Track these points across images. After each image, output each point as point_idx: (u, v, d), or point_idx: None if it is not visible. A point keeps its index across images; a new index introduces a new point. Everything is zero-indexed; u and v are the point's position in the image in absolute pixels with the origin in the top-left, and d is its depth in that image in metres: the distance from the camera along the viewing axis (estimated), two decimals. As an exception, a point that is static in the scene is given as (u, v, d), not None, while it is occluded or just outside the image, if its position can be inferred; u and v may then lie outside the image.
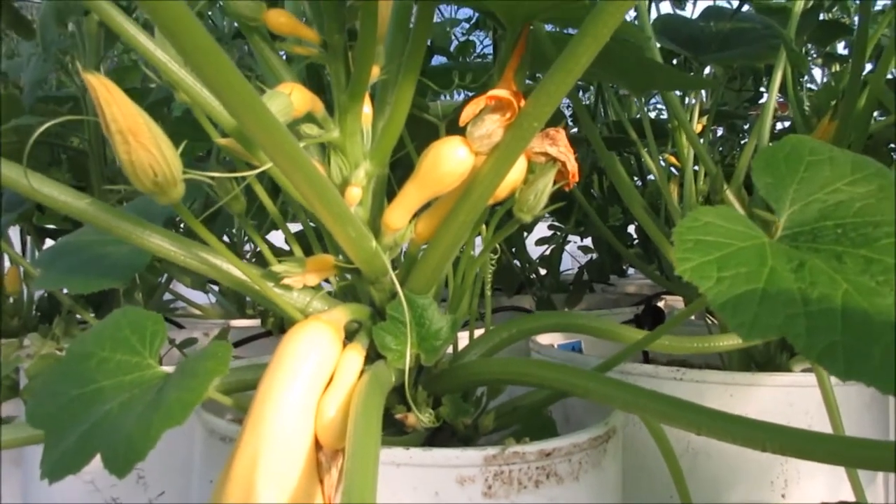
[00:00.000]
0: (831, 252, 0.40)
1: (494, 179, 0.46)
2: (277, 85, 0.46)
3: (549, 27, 0.63)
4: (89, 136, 0.94)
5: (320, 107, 0.47)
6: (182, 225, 1.07)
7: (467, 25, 1.93)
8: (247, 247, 1.44)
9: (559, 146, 0.48)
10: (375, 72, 0.47)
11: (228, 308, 1.45)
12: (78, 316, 1.05)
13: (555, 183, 0.50)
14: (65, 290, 0.98)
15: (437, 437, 0.61)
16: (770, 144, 0.47)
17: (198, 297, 1.47)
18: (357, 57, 0.45)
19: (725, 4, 1.37)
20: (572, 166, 0.49)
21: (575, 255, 1.73)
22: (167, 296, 1.33)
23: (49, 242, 1.14)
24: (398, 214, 0.50)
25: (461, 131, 0.48)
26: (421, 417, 0.52)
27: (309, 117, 0.48)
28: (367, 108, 0.50)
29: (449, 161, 0.46)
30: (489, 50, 2.28)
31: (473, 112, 0.45)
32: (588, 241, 1.75)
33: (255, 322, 1.22)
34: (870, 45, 0.79)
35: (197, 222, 0.45)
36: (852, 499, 0.64)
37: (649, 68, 0.69)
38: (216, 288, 1.43)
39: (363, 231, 0.47)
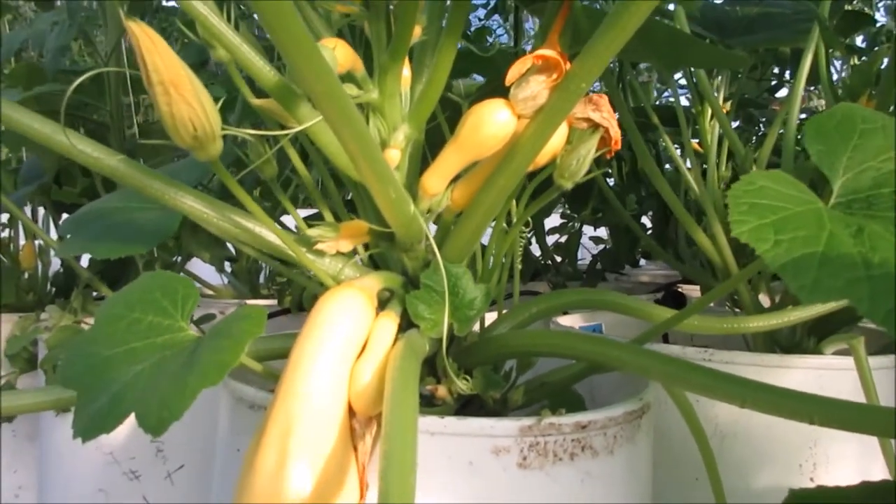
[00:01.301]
0: (889, 219, 0.39)
1: (538, 143, 0.45)
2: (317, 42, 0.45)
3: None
4: (111, 108, 0.93)
5: (360, 66, 0.46)
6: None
7: (484, 11, 1.92)
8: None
9: (602, 111, 0.47)
10: (417, 31, 0.46)
11: (241, 289, 1.44)
12: (94, 292, 1.05)
13: (597, 150, 0.49)
14: (84, 263, 0.98)
15: (464, 411, 0.60)
16: (817, 114, 0.46)
17: (210, 278, 1.47)
18: (400, 15, 0.44)
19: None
20: (615, 132, 0.48)
21: (586, 245, 1.72)
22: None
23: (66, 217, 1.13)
24: (436, 179, 0.49)
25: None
26: (459, 383, 0.51)
27: (348, 77, 0.47)
28: (405, 71, 0.49)
29: (491, 124, 0.46)
30: (504, 39, 2.27)
31: (519, 72, 0.44)
32: (599, 232, 1.74)
33: (271, 302, 1.22)
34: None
35: (234, 182, 0.45)
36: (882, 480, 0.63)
37: (683, 43, 0.67)
38: (229, 269, 1.42)
39: (403, 193, 0.46)
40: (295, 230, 0.57)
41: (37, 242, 1.12)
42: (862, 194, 0.41)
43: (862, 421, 0.40)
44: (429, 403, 0.58)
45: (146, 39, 0.38)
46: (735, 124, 1.83)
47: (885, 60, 0.77)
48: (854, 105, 0.46)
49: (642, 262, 1.98)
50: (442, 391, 0.57)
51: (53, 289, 1.20)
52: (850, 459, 0.71)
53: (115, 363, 0.46)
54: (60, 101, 0.44)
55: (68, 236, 0.63)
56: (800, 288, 0.34)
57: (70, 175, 1.03)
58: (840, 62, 1.78)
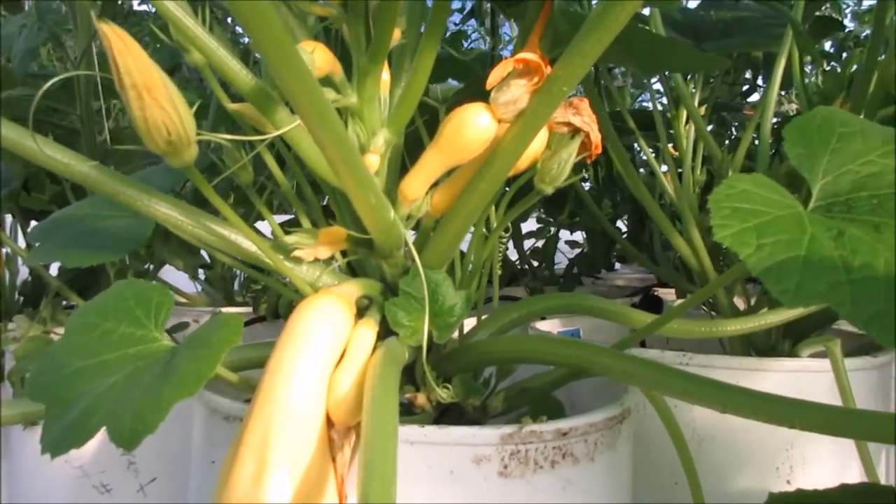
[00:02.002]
0: (868, 222, 0.39)
1: (519, 147, 0.45)
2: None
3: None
4: (81, 114, 0.91)
5: (339, 70, 0.45)
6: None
7: (459, 16, 1.92)
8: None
9: (583, 115, 0.47)
10: (397, 34, 0.46)
11: (215, 296, 1.42)
12: (64, 301, 1.02)
13: (577, 154, 0.48)
14: (53, 271, 0.95)
15: (443, 419, 0.60)
16: (796, 117, 0.46)
17: (184, 285, 1.45)
18: (379, 18, 0.43)
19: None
20: (595, 137, 0.48)
21: (562, 249, 1.73)
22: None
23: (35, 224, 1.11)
24: (416, 183, 0.48)
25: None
26: (439, 392, 0.50)
27: (326, 81, 0.46)
28: (384, 75, 0.49)
29: (472, 128, 0.45)
30: (478, 44, 2.27)
31: (500, 76, 0.43)
32: (575, 236, 1.74)
33: (246, 309, 1.20)
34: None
35: (210, 188, 0.44)
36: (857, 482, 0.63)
37: (662, 48, 0.68)
38: (202, 276, 1.40)
39: (383, 199, 0.45)
40: (271, 236, 0.56)
41: (4, 250, 1.10)
42: (841, 197, 0.41)
43: (843, 425, 0.40)
44: (408, 411, 0.58)
45: (118, 42, 0.37)
46: (708, 128, 1.85)
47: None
48: (833, 109, 0.46)
49: (618, 265, 1.99)
50: (421, 399, 0.56)
51: (21, 298, 1.17)
52: (826, 460, 0.71)
53: (86, 375, 0.45)
54: (29, 106, 0.43)
55: (37, 244, 0.61)
56: (782, 292, 0.34)
57: (39, 181, 1.01)
58: (810, 67, 1.80)
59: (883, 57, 0.72)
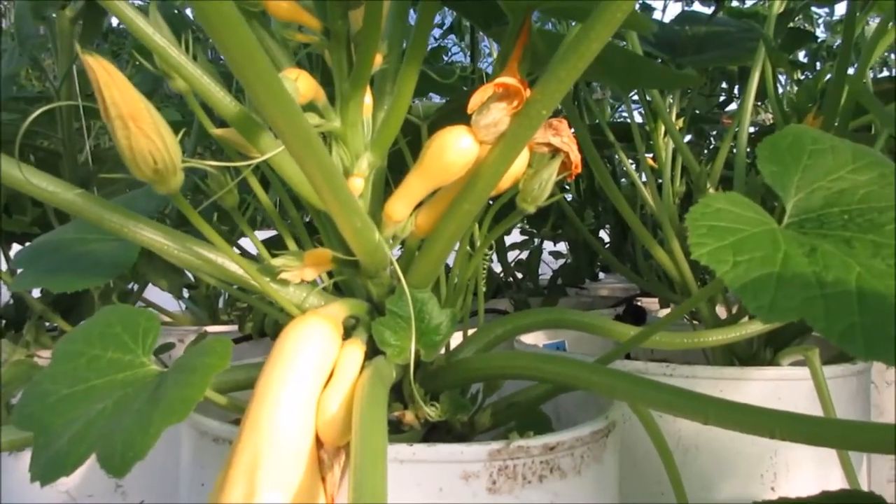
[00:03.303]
0: (840, 237, 0.40)
1: (500, 168, 0.45)
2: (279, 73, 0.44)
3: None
4: (63, 136, 0.91)
5: (322, 96, 0.46)
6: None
7: (439, 31, 1.94)
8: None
9: (563, 136, 0.48)
10: (378, 59, 0.46)
11: (200, 315, 1.42)
12: (47, 323, 1.02)
13: (558, 174, 0.49)
14: (36, 294, 0.95)
15: (431, 436, 0.60)
16: (769, 135, 0.48)
17: (168, 304, 1.44)
18: (361, 44, 0.44)
19: (696, 10, 1.39)
20: (575, 157, 0.49)
21: (545, 260, 1.74)
22: (138, 303, 1.30)
23: (17, 248, 1.10)
24: (400, 205, 0.49)
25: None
26: (427, 410, 0.51)
27: (310, 107, 0.47)
28: (367, 99, 0.50)
29: (454, 150, 0.46)
30: (459, 58, 2.29)
31: (481, 100, 0.44)
32: (559, 247, 1.76)
33: (231, 328, 1.19)
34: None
35: (195, 213, 0.44)
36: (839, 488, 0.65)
37: (639, 66, 0.69)
38: (187, 295, 1.40)
39: (368, 222, 0.46)
40: (255, 253, 0.57)
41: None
42: (814, 214, 0.43)
43: (822, 434, 0.41)
44: (396, 429, 0.58)
45: (104, 73, 0.38)
46: (687, 139, 1.88)
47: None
48: (804, 126, 0.48)
49: (602, 275, 2.00)
50: (409, 417, 0.57)
51: (4, 321, 1.16)
52: (809, 467, 0.73)
53: (73, 402, 0.45)
54: (10, 130, 0.43)
55: (21, 270, 0.61)
56: (758, 308, 0.35)
57: (20, 204, 1.00)
58: (784, 77, 1.84)
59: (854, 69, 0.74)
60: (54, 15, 0.93)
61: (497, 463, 0.49)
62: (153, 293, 1.35)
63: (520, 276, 1.61)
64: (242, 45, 0.29)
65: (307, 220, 0.98)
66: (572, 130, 0.51)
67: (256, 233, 0.63)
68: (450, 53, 2.18)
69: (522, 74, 0.49)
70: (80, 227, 0.65)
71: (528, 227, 1.62)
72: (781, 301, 0.36)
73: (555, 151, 0.49)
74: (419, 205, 0.52)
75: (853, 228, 0.40)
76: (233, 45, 0.28)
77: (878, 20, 0.77)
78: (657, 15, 1.93)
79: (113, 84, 0.38)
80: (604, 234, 1.69)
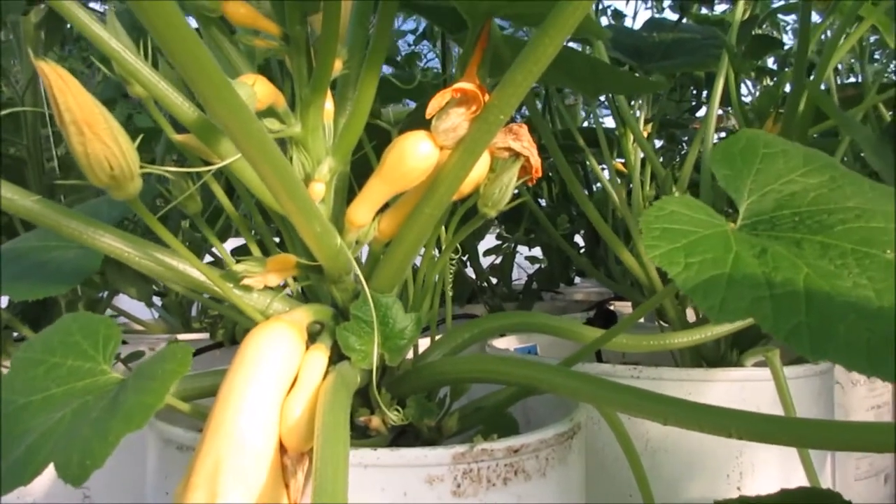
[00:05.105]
0: (790, 239, 0.41)
1: (460, 173, 0.46)
2: (236, 79, 0.45)
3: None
4: (28, 142, 0.90)
5: (282, 101, 0.46)
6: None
7: (413, 37, 1.94)
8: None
9: (522, 141, 0.49)
10: (338, 65, 0.47)
11: (172, 323, 1.40)
12: (14, 333, 1.00)
13: (518, 178, 0.50)
14: (3, 303, 0.94)
15: (400, 440, 0.60)
16: (723, 140, 0.49)
17: (140, 312, 1.43)
18: (320, 49, 0.44)
19: (666, 16, 1.41)
20: (535, 161, 0.49)
21: (522, 265, 1.75)
22: (108, 311, 1.28)
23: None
24: (362, 210, 0.49)
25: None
26: (389, 415, 0.51)
27: (269, 112, 0.47)
28: (328, 104, 0.50)
29: (414, 155, 0.46)
30: (434, 63, 2.30)
31: (439, 105, 0.45)
32: (535, 252, 1.76)
33: (203, 335, 1.19)
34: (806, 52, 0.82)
35: (155, 220, 0.44)
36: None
37: (602, 71, 0.70)
38: (159, 303, 1.39)
39: (328, 227, 0.46)
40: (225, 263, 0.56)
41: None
42: (766, 216, 0.43)
43: (777, 433, 0.41)
44: (363, 434, 0.58)
45: (57, 79, 0.38)
46: (659, 143, 1.90)
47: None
48: (756, 131, 0.49)
49: (578, 279, 2.01)
50: (375, 422, 0.57)
51: (-32, 331, 1.14)
52: (774, 466, 0.74)
53: (31, 411, 0.45)
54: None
55: (-18, 279, 0.61)
56: (709, 308, 0.36)
57: (-15, 212, 0.99)
58: (752, 83, 1.86)
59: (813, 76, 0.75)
60: (21, 17, 0.92)
61: (461, 466, 0.49)
62: (126, 302, 1.34)
63: (494, 281, 1.62)
64: (186, 45, 0.29)
65: (274, 226, 0.97)
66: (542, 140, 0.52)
67: (231, 240, 0.63)
68: (424, 59, 2.19)
69: (482, 80, 0.49)
70: (43, 235, 0.64)
71: (503, 232, 1.63)
72: (731, 301, 0.36)
73: (515, 156, 0.49)
74: (383, 209, 0.52)
75: (803, 230, 0.41)
76: (176, 46, 0.29)
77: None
78: (628, 22, 1.95)
79: (67, 89, 0.38)
80: (579, 239, 1.70)
